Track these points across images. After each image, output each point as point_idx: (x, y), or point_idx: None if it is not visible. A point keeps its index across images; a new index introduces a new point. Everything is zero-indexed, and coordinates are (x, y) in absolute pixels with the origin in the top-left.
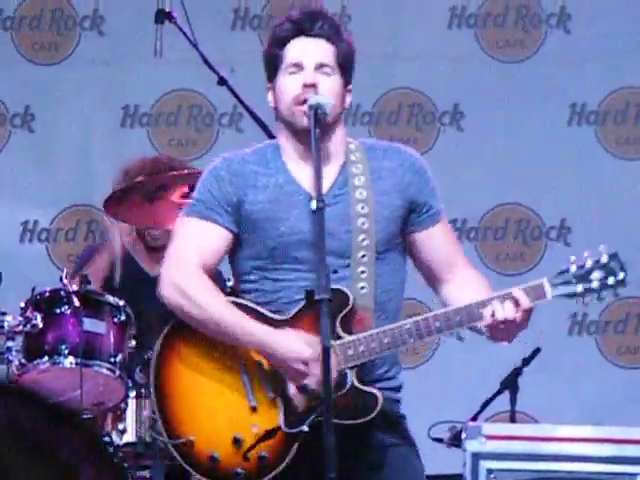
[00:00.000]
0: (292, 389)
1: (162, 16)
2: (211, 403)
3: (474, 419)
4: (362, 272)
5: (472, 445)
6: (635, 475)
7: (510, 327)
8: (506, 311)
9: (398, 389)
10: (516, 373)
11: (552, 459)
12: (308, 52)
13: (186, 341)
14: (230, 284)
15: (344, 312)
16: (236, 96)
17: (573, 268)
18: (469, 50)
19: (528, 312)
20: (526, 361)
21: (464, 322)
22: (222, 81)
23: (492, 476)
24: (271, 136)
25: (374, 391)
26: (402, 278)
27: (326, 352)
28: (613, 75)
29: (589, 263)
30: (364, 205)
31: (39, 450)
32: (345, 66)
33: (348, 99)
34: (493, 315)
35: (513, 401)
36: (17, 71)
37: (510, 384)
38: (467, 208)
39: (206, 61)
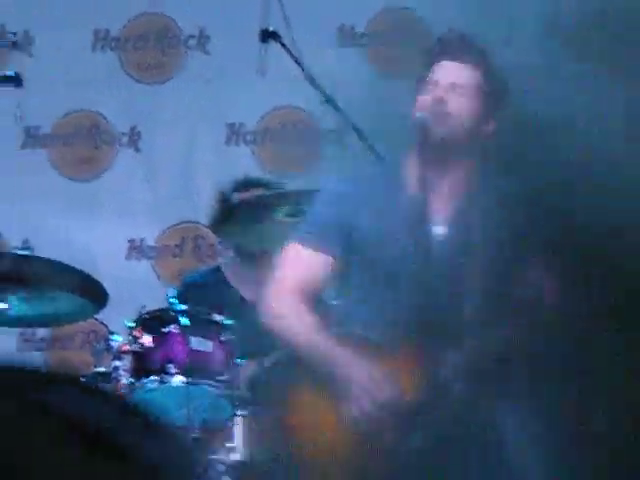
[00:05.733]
0: (354, 410)
1: (267, 35)
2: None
3: None
4: (473, 297)
5: None
6: None
7: None
8: None
9: None
10: None
11: None
12: (446, 73)
13: (310, 375)
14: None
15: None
16: (341, 113)
17: None
18: None
19: None
20: None
21: None
22: (328, 99)
23: None
24: (377, 154)
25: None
26: None
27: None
28: None
29: None
30: (484, 230)
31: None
32: (487, 93)
33: (488, 127)
34: None
35: None
36: (124, 91)
37: None
38: None
39: (311, 79)
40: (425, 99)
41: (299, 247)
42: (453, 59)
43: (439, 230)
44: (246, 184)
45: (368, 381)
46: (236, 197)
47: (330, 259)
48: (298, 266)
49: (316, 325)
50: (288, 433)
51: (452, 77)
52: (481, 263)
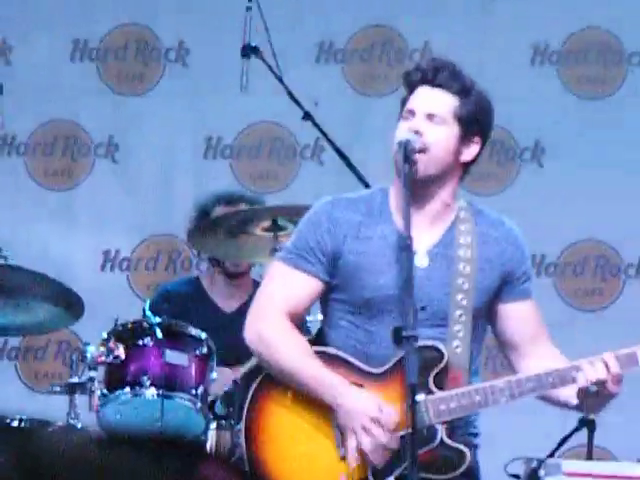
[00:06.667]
0: (352, 444)
1: (249, 51)
2: (301, 451)
3: (551, 455)
4: (458, 331)
5: None
6: None
7: (601, 393)
8: (597, 372)
9: (477, 435)
10: None
11: None
12: (422, 100)
13: (279, 388)
14: (312, 320)
15: (437, 369)
16: (320, 130)
17: None
18: (550, 87)
19: (617, 378)
20: None
21: (556, 384)
22: (307, 115)
23: None
24: (354, 170)
25: (462, 448)
26: (482, 345)
27: (411, 389)
28: None
29: None
30: (466, 265)
31: None
32: (466, 120)
33: (469, 152)
34: (585, 378)
35: (590, 439)
36: (102, 101)
37: (588, 422)
38: (547, 244)
39: (291, 95)
40: (403, 129)
41: (285, 267)
42: (430, 85)
43: (420, 261)
44: (226, 198)
45: (375, 414)
46: (217, 211)
47: (315, 281)
48: (284, 286)
49: (304, 349)
50: (254, 449)
51: (429, 106)
52: (462, 296)
